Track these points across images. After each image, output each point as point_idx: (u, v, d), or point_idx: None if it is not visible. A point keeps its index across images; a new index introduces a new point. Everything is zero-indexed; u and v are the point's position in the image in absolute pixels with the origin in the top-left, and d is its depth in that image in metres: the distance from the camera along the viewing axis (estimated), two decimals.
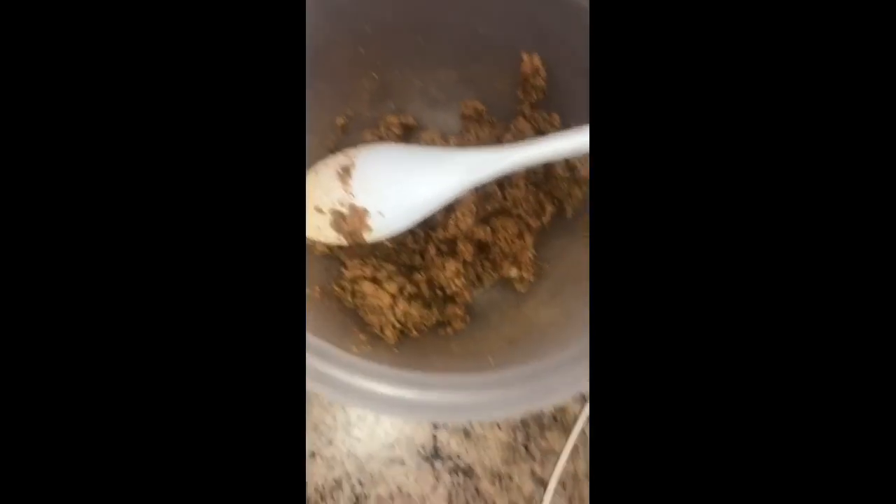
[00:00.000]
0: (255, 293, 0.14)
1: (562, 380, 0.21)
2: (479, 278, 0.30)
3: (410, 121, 0.32)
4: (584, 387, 0.21)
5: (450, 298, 0.29)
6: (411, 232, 0.29)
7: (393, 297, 0.27)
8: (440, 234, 0.29)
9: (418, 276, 0.28)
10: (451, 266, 0.28)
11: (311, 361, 0.20)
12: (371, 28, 0.28)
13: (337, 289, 0.28)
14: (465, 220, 0.28)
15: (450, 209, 0.29)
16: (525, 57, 0.30)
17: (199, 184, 0.14)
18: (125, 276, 0.14)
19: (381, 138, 0.31)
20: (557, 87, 0.31)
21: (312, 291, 0.27)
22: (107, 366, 0.14)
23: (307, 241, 0.28)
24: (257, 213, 0.15)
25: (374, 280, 0.27)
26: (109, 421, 0.14)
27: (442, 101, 0.34)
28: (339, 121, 0.31)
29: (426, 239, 0.29)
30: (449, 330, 0.29)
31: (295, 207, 0.15)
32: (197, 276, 0.14)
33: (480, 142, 0.32)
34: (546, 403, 0.21)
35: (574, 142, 0.24)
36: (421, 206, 0.27)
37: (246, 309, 0.14)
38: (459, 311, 0.29)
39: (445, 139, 0.32)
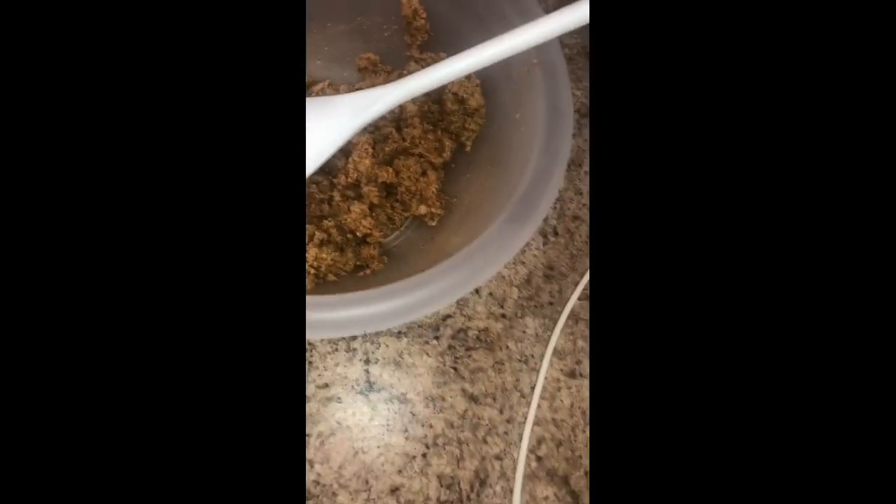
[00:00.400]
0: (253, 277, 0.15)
1: (456, 278, 0.23)
2: (390, 219, 0.32)
3: (305, 78, 0.33)
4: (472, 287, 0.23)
5: (362, 241, 0.30)
6: (315, 182, 0.31)
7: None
8: (343, 179, 0.30)
9: (327, 223, 0.30)
10: (357, 208, 0.29)
11: None
12: None
13: None
14: (363, 162, 0.29)
15: (347, 154, 0.30)
16: (404, 1, 0.31)
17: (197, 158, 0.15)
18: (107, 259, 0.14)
19: None
20: (440, 26, 0.32)
21: None
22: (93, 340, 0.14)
23: None
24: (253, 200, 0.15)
25: None
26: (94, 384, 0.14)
27: (337, 57, 0.35)
28: None
29: (330, 187, 0.31)
30: (367, 272, 0.31)
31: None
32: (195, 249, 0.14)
33: None
34: (435, 307, 0.23)
35: (450, 69, 0.26)
36: (317, 153, 0.28)
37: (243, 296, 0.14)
38: (374, 252, 0.30)
39: (336, 89, 0.33)
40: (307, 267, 0.28)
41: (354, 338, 0.32)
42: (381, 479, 0.29)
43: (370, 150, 0.29)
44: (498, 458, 0.30)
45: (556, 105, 0.27)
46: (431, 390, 0.31)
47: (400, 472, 0.30)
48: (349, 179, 0.30)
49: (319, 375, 0.31)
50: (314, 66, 0.35)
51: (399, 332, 0.32)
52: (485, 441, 0.30)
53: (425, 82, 0.26)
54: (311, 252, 0.28)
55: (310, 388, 0.30)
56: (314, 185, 0.30)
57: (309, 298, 0.23)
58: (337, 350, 0.31)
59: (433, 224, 0.32)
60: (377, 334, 0.32)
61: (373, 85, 0.34)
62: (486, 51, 0.25)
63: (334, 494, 0.29)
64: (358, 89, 0.32)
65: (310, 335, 0.22)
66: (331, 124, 0.28)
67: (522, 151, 0.27)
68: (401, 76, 0.34)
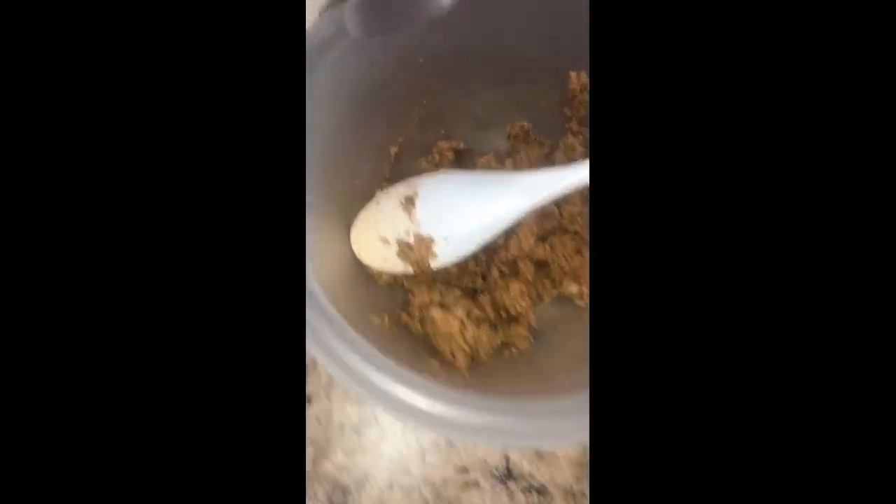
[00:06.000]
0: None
1: None
2: (539, 296, 0.30)
3: (460, 145, 0.33)
4: None
5: (514, 319, 0.29)
6: (473, 255, 0.30)
7: (462, 322, 0.27)
8: (502, 255, 0.29)
9: (482, 299, 0.29)
10: (516, 287, 0.28)
11: (387, 385, 0.20)
12: (423, 59, 0.29)
13: (405, 316, 0.28)
14: (528, 241, 0.28)
15: (510, 231, 0.29)
16: (573, 75, 0.31)
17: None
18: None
19: (436, 166, 0.32)
20: None
21: (381, 320, 0.27)
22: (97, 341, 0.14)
23: (373, 272, 0.29)
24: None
25: (442, 306, 0.28)
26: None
27: (488, 122, 0.34)
28: (393, 150, 0.31)
29: (488, 261, 0.30)
30: (514, 350, 0.29)
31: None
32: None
33: (532, 161, 0.32)
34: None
35: None
36: (485, 230, 0.27)
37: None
38: (524, 332, 0.29)
39: (501, 162, 0.32)
40: (463, 346, 0.27)
41: None
42: None
43: (535, 229, 0.29)
44: None
45: None
46: (571, 484, 0.29)
47: None
48: (510, 255, 0.29)
49: (458, 457, 0.29)
50: (459, 128, 0.35)
51: None
52: None
53: None
54: (470, 331, 0.27)
55: (448, 471, 0.29)
56: (472, 259, 0.30)
57: (461, 394, 0.22)
58: None
59: (582, 304, 0.30)
60: None
61: (528, 155, 0.33)
62: None
63: None
64: (520, 163, 0.32)
65: (452, 436, 0.21)
66: (502, 202, 0.27)
67: None
68: (555, 147, 0.33)
